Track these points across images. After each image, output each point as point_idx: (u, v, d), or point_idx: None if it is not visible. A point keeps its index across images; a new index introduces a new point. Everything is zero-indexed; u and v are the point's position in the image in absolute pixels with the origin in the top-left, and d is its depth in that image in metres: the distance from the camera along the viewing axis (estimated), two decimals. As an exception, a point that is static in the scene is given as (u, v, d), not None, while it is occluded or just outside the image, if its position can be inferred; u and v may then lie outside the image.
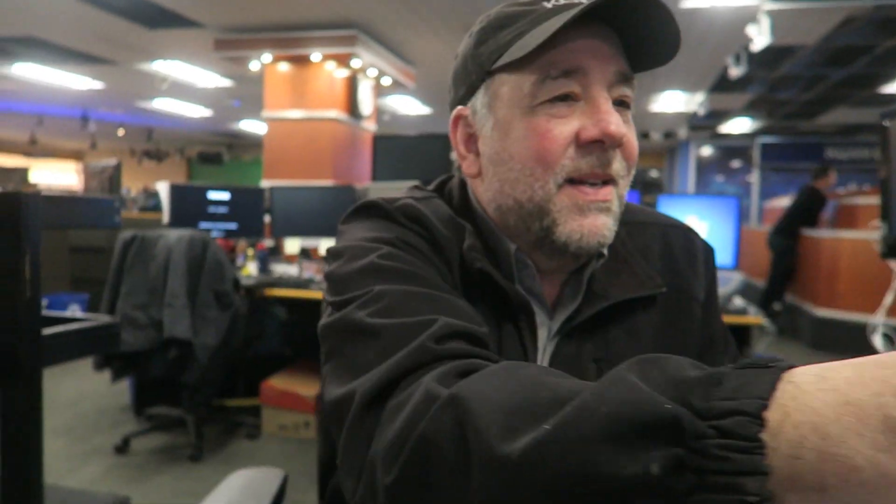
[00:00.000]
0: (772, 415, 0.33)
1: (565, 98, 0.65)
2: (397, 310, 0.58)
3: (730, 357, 0.82)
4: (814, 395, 0.33)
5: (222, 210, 3.73)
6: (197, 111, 10.73)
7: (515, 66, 0.67)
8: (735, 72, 6.09)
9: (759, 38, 5.07)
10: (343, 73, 5.99)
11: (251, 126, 12.37)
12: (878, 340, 1.52)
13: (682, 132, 11.28)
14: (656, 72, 7.37)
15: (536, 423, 0.39)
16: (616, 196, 0.68)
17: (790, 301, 6.62)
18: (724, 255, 3.11)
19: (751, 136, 11.69)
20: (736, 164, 12.68)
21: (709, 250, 0.84)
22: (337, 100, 5.94)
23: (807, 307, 6.14)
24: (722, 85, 7.67)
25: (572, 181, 0.66)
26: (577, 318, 0.72)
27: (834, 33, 5.77)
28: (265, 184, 5.58)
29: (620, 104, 0.68)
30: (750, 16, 5.06)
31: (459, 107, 0.74)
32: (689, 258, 0.81)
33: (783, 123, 10.50)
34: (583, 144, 0.65)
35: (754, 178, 12.14)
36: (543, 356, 0.72)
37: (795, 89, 8.01)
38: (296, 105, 5.98)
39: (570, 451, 0.37)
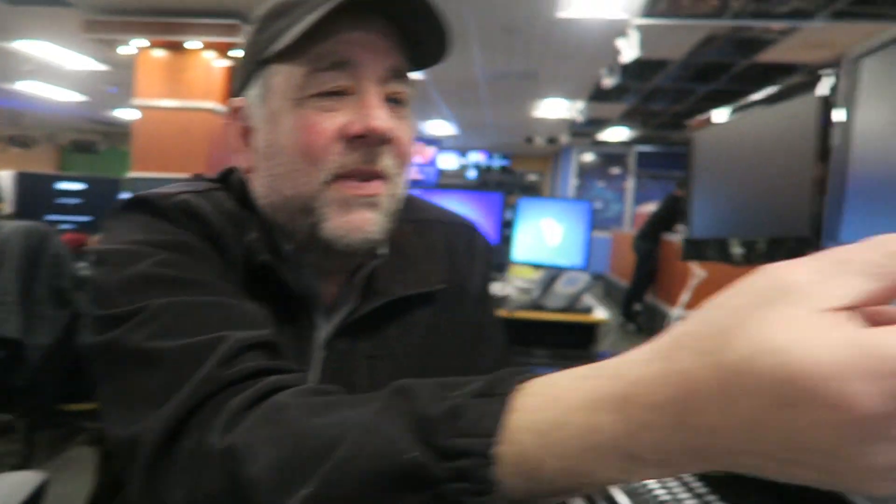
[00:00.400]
0: (506, 448, 0.35)
1: (337, 92, 0.64)
2: (178, 328, 0.54)
3: (497, 348, 0.86)
4: (542, 419, 0.35)
5: (75, 201, 3.53)
6: (69, 96, 10.03)
7: (287, 56, 0.65)
8: (608, 82, 6.40)
9: (629, 50, 5.37)
10: (222, 63, 5.80)
11: (129, 114, 11.70)
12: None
13: (564, 138, 11.74)
14: (539, 78, 7.65)
15: (303, 480, 0.39)
16: (388, 193, 0.67)
17: (651, 302, 7.04)
18: (576, 256, 3.28)
19: (628, 145, 12.33)
20: (616, 170, 13.33)
21: (488, 247, 0.88)
22: (214, 90, 5.74)
23: (664, 307, 6.56)
24: (599, 94, 8.05)
25: (340, 177, 0.65)
26: (352, 316, 0.72)
27: (697, 50, 6.19)
28: (132, 175, 5.31)
29: (395, 101, 0.67)
30: (620, 29, 5.35)
31: (237, 98, 0.72)
32: (469, 255, 0.84)
33: (656, 133, 11.15)
34: (350, 140, 0.64)
35: (629, 184, 12.81)
36: (316, 360, 0.72)
37: (666, 101, 8.52)
38: (170, 94, 5.72)
39: None
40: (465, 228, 0.86)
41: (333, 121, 0.64)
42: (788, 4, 4.90)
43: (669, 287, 6.54)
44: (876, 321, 0.28)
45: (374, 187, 0.66)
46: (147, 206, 0.67)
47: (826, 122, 1.14)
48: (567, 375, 0.37)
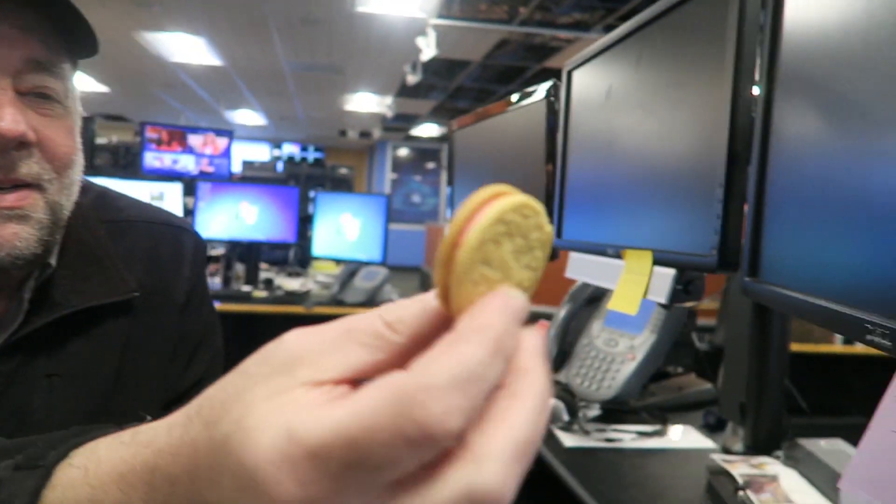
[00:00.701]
0: None
1: None
2: None
3: (209, 358, 0.82)
4: (78, 498, 0.33)
5: None
6: None
7: None
8: (412, 79, 6.55)
9: (427, 49, 5.52)
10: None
11: None
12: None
13: (377, 132, 11.84)
14: (347, 72, 7.62)
15: None
16: (43, 203, 0.61)
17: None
18: (374, 250, 3.31)
19: (440, 140, 12.71)
20: (431, 165, 13.68)
21: (199, 248, 0.83)
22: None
23: (472, 296, 6.88)
24: (406, 91, 8.20)
25: None
26: (18, 333, 0.64)
27: (493, 53, 6.52)
28: None
29: (41, 96, 0.61)
30: (420, 28, 5.48)
31: None
32: (174, 259, 0.79)
33: (465, 130, 11.60)
34: None
35: (443, 179, 13.23)
36: None
37: (470, 100, 8.89)
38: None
39: None
40: (171, 229, 0.80)
41: None
42: (570, 16, 5.33)
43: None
44: None
45: (17, 198, 0.59)
46: None
47: (552, 128, 1.25)
48: (110, 442, 0.35)
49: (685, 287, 0.84)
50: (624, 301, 0.90)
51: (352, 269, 3.36)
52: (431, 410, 0.23)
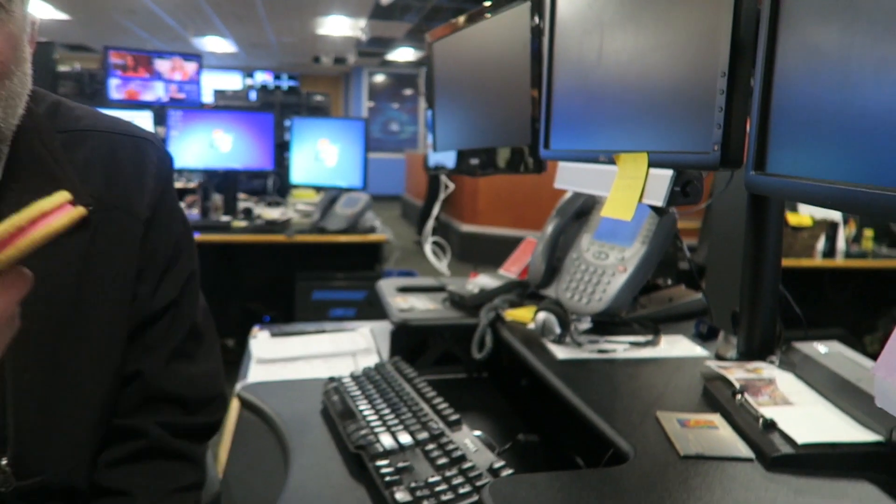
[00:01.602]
0: None
1: None
2: None
3: (181, 277, 0.79)
4: None
5: None
6: None
7: None
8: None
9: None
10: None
11: None
12: (427, 248, 1.70)
13: (352, 58, 11.47)
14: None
15: None
16: None
17: (444, 219, 7.31)
18: (354, 177, 3.24)
19: (416, 65, 12.37)
20: (408, 91, 13.37)
21: (163, 161, 0.78)
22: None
23: (455, 224, 6.85)
24: (380, 12, 7.90)
25: None
26: None
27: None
28: None
29: None
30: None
31: None
32: (136, 170, 0.74)
33: (443, 54, 11.29)
34: None
35: (421, 105, 12.96)
36: None
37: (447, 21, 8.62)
38: None
39: None
40: (132, 139, 0.76)
41: None
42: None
43: (460, 204, 6.81)
44: None
45: None
46: None
47: (538, 49, 1.18)
48: None
49: (683, 188, 0.80)
50: (618, 207, 0.87)
51: (332, 195, 3.29)
52: None
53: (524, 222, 6.36)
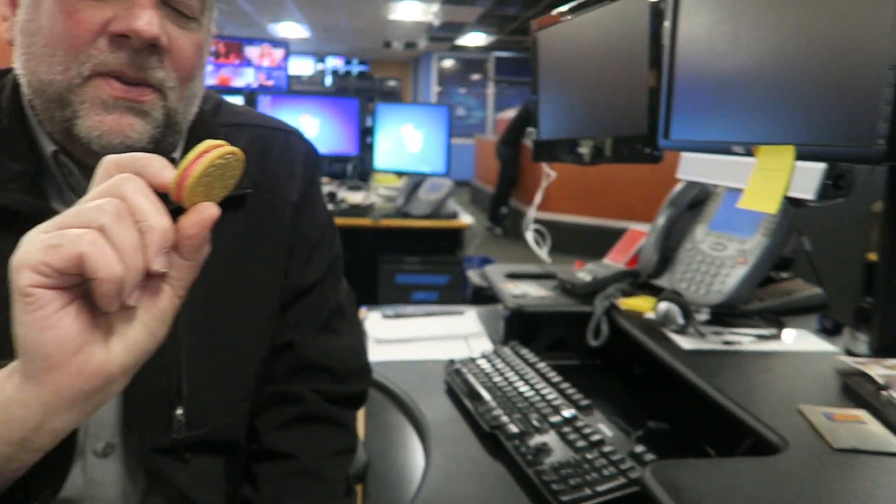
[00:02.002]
0: None
1: None
2: None
3: (326, 258, 0.86)
4: None
5: None
6: None
7: None
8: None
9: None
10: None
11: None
12: (529, 236, 1.72)
13: (423, 42, 11.51)
14: (393, -22, 7.36)
15: None
16: (161, 105, 0.64)
17: (515, 205, 7.30)
18: (437, 162, 3.28)
19: (486, 50, 12.33)
20: (476, 76, 13.34)
21: (310, 153, 0.87)
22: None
23: (526, 210, 6.83)
24: (454, -3, 7.90)
25: (101, 75, 0.60)
26: None
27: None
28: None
29: (179, 10, 0.63)
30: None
31: None
32: (286, 160, 0.83)
33: (513, 39, 11.21)
34: (113, 38, 0.59)
35: (490, 90, 12.92)
36: None
37: (519, 5, 8.53)
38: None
39: None
40: (282, 133, 0.85)
41: (98, 12, 0.59)
42: None
43: (531, 190, 6.78)
44: None
45: (140, 92, 0.62)
46: None
47: (657, 32, 1.17)
48: None
49: (835, 182, 0.79)
50: (760, 199, 0.86)
51: (416, 181, 3.34)
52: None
53: (595, 210, 6.29)
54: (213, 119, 0.78)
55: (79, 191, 0.66)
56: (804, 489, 0.62)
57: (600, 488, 0.74)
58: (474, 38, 11.16)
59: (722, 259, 1.17)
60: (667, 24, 1.12)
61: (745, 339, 1.06)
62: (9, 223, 0.59)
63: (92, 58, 0.59)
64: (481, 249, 5.71)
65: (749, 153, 0.92)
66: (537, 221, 1.76)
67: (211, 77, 3.78)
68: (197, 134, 0.73)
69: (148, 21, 0.59)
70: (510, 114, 8.11)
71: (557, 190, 6.66)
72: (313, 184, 0.86)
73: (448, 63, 13.23)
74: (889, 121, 0.68)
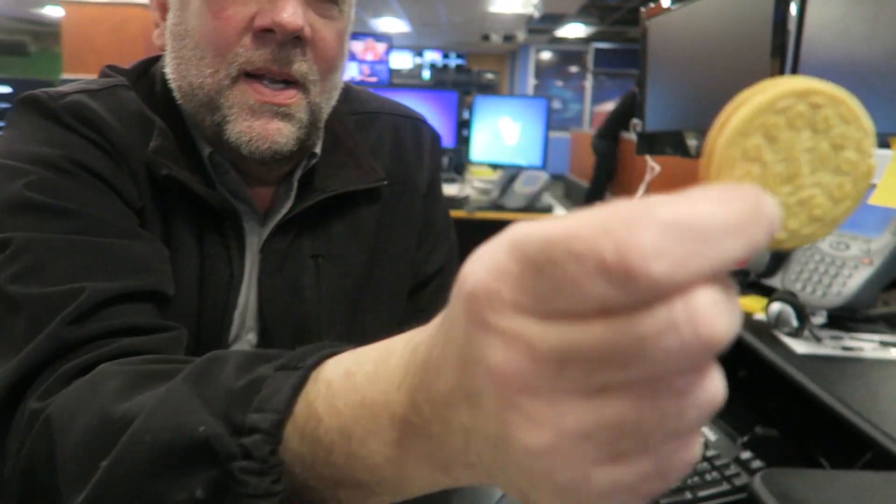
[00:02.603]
0: (300, 422, 0.33)
1: None
2: (41, 272, 0.50)
3: (447, 246, 0.85)
4: (339, 396, 0.32)
5: (3, 106, 3.33)
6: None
7: None
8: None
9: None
10: (153, -46, 5.37)
11: (61, 12, 10.90)
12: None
13: (521, 35, 11.42)
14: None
15: (105, 455, 0.37)
16: (304, 102, 0.63)
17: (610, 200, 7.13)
18: (534, 155, 3.25)
19: (586, 42, 12.07)
20: (573, 69, 13.10)
21: (436, 140, 0.85)
22: (148, -15, 5.35)
23: (622, 205, 6.66)
24: (555, -12, 7.77)
25: (250, 76, 0.61)
26: (289, 215, 0.69)
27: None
28: (65, 78, 4.99)
29: (320, 1, 0.62)
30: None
31: None
32: (416, 149, 0.81)
33: (614, 30, 10.92)
34: (258, 33, 0.60)
35: (588, 83, 12.66)
36: (253, 265, 0.69)
37: (623, -4, 8.30)
38: (98, -12, 5.32)
39: (122, 489, 0.36)
40: (412, 121, 0.83)
41: (244, 8, 0.59)
42: None
43: (628, 185, 6.60)
44: None
45: (286, 96, 0.62)
46: (35, 105, 0.61)
47: (782, 18, 1.10)
48: (370, 351, 0.33)
49: (985, 177, 0.72)
50: (895, 195, 0.80)
51: (511, 174, 3.32)
52: (638, 239, 0.19)
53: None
54: (343, 107, 0.76)
55: (231, 188, 0.68)
56: (938, 510, 0.57)
57: (702, 493, 0.71)
58: (574, 30, 10.96)
59: (844, 259, 1.09)
60: (793, 8, 1.06)
61: (868, 346, 0.98)
62: (218, 222, 0.64)
63: (239, 56, 0.60)
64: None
65: (885, 145, 0.85)
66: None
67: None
68: (329, 126, 0.72)
69: (292, 12, 0.58)
70: (608, 107, 7.91)
71: (660, 185, 6.46)
72: (438, 171, 0.86)
73: (545, 55, 13.06)
74: None
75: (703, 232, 0.20)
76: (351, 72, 3.94)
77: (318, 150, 0.71)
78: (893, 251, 1.05)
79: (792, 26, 1.07)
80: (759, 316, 1.10)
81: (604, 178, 7.04)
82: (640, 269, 0.19)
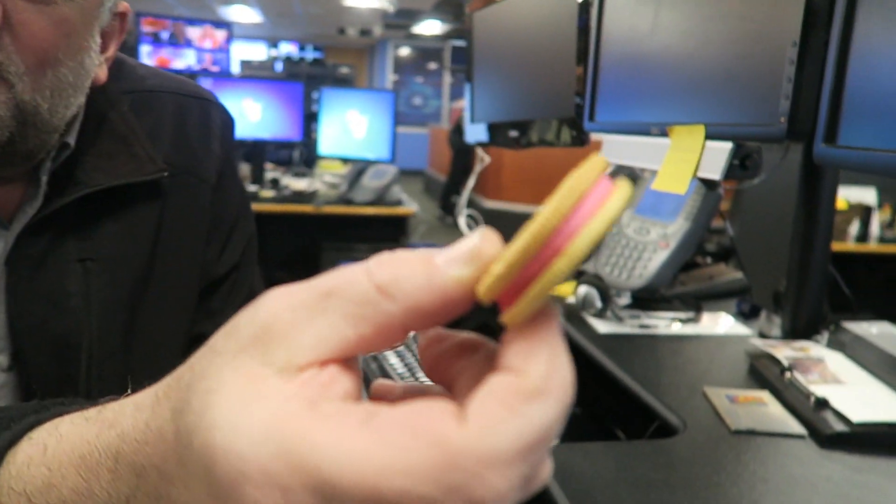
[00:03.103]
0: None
1: None
2: None
3: (241, 242, 0.77)
4: (34, 480, 0.28)
5: None
6: None
7: None
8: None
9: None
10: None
11: None
12: (462, 222, 1.69)
13: (378, 30, 11.39)
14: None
15: None
16: (7, 98, 0.51)
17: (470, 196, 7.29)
18: (382, 149, 3.23)
19: (443, 39, 12.26)
20: (433, 65, 13.26)
21: (227, 124, 0.76)
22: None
23: (479, 200, 6.83)
24: (409, -16, 7.82)
25: None
26: (38, 216, 0.59)
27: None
28: None
29: None
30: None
31: None
32: (203, 134, 0.72)
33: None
34: None
35: (446, 80, 12.87)
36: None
37: (476, -5, 8.50)
38: None
39: None
40: (199, 102, 0.73)
41: None
42: None
43: (484, 179, 6.78)
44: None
45: None
46: None
47: (584, 26, 1.16)
48: (74, 419, 0.30)
49: (742, 162, 0.79)
50: (671, 180, 0.85)
51: (360, 167, 3.28)
52: (493, 487, 0.19)
53: (546, 198, 6.31)
54: (115, 85, 0.66)
55: None
56: (694, 471, 0.61)
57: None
58: (430, 27, 11.09)
59: (645, 243, 1.17)
60: (593, 10, 1.11)
61: (662, 323, 1.05)
62: None
63: None
64: (430, 237, 5.70)
65: (664, 134, 0.91)
66: (492, 211, 1.74)
67: (149, 58, 3.65)
68: (97, 110, 0.63)
69: None
70: (462, 103, 8.08)
71: (511, 178, 6.67)
72: (230, 159, 0.76)
73: (405, 51, 13.12)
74: (790, 98, 0.67)
75: (545, 439, 0.20)
76: (188, 60, 3.72)
77: (70, 140, 0.61)
78: (685, 235, 1.13)
79: (593, 21, 1.13)
80: (571, 299, 1.15)
81: (460, 173, 7.18)
82: None
